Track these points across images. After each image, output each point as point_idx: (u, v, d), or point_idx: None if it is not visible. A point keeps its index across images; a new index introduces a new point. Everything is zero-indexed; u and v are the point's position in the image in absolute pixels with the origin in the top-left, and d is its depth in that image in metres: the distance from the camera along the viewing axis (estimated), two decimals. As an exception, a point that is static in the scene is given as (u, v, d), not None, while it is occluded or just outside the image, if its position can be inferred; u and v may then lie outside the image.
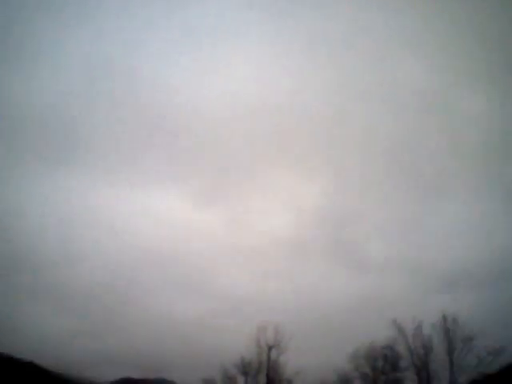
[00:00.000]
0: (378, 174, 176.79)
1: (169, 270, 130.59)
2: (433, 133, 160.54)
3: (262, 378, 65.42)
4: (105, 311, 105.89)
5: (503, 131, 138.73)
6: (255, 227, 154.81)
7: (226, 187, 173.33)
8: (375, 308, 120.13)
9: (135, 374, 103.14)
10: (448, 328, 57.81)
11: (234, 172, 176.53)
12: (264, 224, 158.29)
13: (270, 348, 65.38)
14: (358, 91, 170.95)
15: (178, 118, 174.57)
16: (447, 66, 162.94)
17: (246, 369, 65.16)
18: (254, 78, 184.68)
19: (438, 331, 59.57)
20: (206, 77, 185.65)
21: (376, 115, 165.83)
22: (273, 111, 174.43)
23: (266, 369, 64.83)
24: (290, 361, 64.35)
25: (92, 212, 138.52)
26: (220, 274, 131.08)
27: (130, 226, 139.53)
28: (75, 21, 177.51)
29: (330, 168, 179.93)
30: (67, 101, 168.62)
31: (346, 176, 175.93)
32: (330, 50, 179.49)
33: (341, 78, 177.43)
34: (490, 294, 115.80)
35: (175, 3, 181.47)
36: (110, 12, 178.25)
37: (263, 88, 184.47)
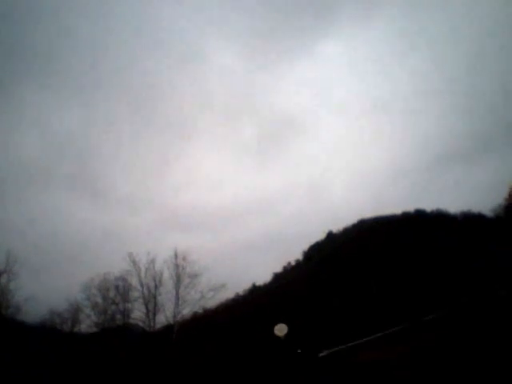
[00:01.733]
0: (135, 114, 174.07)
1: None
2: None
3: (-12, 305, 61.21)
4: None
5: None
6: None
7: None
8: (113, 242, 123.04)
9: None
10: (178, 264, 59.52)
11: None
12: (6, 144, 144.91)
13: (0, 273, 60.93)
14: None
15: None
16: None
17: (-30, 294, 59.97)
18: None
19: (168, 266, 61.41)
20: None
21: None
22: None
23: (-6, 294, 60.42)
24: (21, 287, 61.07)
25: None
26: None
27: None
28: None
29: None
30: None
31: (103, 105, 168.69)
32: None
33: None
34: (219, 238, 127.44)
35: None
36: None
37: None
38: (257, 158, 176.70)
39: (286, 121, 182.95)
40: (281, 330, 29.95)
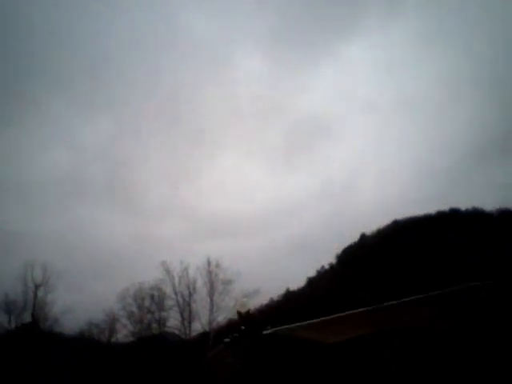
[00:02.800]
0: (163, 122, 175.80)
1: None
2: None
3: (28, 317, 62.50)
4: None
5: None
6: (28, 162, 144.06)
7: None
8: (146, 250, 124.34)
9: None
10: (211, 271, 59.79)
11: None
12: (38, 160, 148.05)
13: (37, 286, 62.25)
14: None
15: None
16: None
17: (9, 307, 61.45)
18: None
19: (201, 274, 61.69)
20: None
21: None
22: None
23: (32, 307, 61.80)
24: (58, 299, 62.29)
25: None
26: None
27: None
28: None
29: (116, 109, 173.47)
30: None
31: (131, 118, 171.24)
32: None
33: None
34: (251, 244, 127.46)
35: None
36: None
37: None
38: (285, 162, 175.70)
39: (313, 123, 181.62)
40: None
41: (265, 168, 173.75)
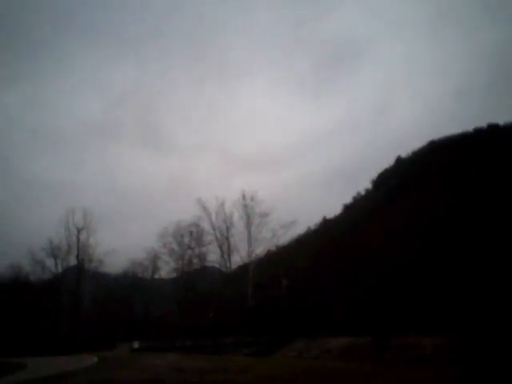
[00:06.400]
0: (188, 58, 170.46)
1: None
2: None
3: (72, 260, 65.23)
4: None
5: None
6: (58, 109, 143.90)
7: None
8: (182, 190, 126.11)
9: None
10: (246, 205, 60.08)
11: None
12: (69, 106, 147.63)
13: (79, 230, 64.39)
14: None
15: None
16: None
17: (54, 252, 64.10)
18: None
19: (238, 208, 62.10)
20: None
21: None
22: None
23: (76, 251, 64.28)
24: (101, 242, 64.44)
25: None
26: (26, 158, 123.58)
27: None
28: None
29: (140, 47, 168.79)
30: None
31: (155, 58, 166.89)
32: None
33: None
34: (284, 176, 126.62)
35: None
36: None
37: None
38: (315, 90, 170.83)
39: (341, 46, 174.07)
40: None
41: (294, 98, 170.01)
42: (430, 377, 14.36)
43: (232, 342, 44.60)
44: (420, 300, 38.51)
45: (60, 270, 64.62)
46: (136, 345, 46.04)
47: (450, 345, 24.96)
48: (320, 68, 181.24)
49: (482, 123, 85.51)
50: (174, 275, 65.82)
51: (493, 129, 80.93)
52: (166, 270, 66.42)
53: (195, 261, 63.87)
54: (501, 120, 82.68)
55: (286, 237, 60.25)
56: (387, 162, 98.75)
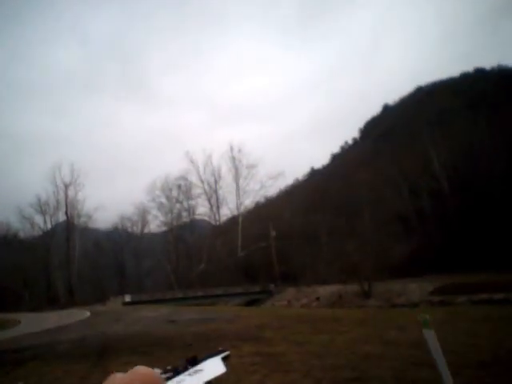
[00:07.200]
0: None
1: None
2: None
3: (61, 216, 64.84)
4: None
5: None
6: (38, 61, 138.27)
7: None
8: (169, 143, 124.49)
9: None
10: (234, 157, 59.91)
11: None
12: (47, 57, 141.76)
13: (66, 186, 63.75)
14: None
15: None
16: None
17: (43, 208, 63.67)
18: None
19: (225, 160, 61.94)
20: None
21: None
22: None
23: (65, 206, 63.87)
24: (90, 197, 64.28)
25: None
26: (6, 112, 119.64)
27: None
28: None
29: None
30: None
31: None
32: None
33: None
34: (271, 127, 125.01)
35: None
36: None
37: None
38: (300, 36, 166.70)
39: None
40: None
41: (278, 45, 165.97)
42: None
43: (223, 293, 45.43)
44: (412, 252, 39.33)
45: (49, 226, 64.54)
46: (128, 298, 46.64)
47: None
48: (307, 13, 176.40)
49: (469, 68, 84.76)
50: (164, 229, 66.16)
51: (479, 73, 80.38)
52: (156, 223, 66.75)
53: (184, 214, 64.17)
54: (487, 64, 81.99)
55: (274, 188, 60.48)
56: (375, 110, 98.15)
